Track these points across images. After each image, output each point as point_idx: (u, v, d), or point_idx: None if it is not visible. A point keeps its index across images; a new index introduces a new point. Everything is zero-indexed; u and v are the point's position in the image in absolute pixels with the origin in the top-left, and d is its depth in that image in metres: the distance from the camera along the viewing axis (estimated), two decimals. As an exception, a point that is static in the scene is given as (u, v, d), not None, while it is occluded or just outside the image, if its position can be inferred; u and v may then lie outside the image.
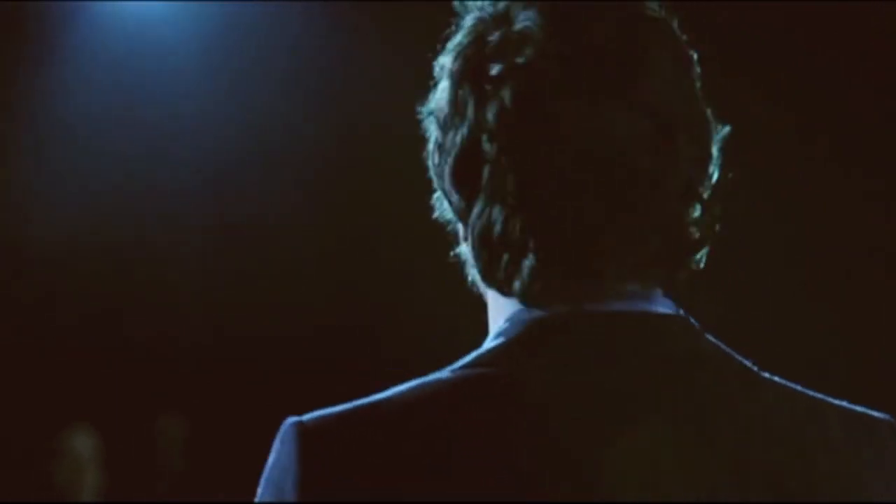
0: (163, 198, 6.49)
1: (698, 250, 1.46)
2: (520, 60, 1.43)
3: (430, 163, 1.51)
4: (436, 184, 1.51)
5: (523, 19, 1.44)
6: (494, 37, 1.45)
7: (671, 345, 1.43)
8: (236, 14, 6.23)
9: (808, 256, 5.30)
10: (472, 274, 1.50)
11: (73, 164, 6.41)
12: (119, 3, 6.29)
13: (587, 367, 1.39)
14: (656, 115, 1.42)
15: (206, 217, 6.53)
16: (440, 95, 1.49)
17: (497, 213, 1.42)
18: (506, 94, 1.42)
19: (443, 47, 1.53)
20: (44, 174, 6.46)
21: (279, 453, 1.45)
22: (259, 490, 1.49)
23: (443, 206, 1.51)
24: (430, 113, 1.50)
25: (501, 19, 1.46)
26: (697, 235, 1.45)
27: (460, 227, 1.49)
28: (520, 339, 1.41)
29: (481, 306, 1.54)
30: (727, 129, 1.48)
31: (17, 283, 6.49)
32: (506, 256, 1.42)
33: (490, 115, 1.42)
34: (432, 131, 1.50)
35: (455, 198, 1.46)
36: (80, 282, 6.46)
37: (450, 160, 1.46)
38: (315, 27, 6.22)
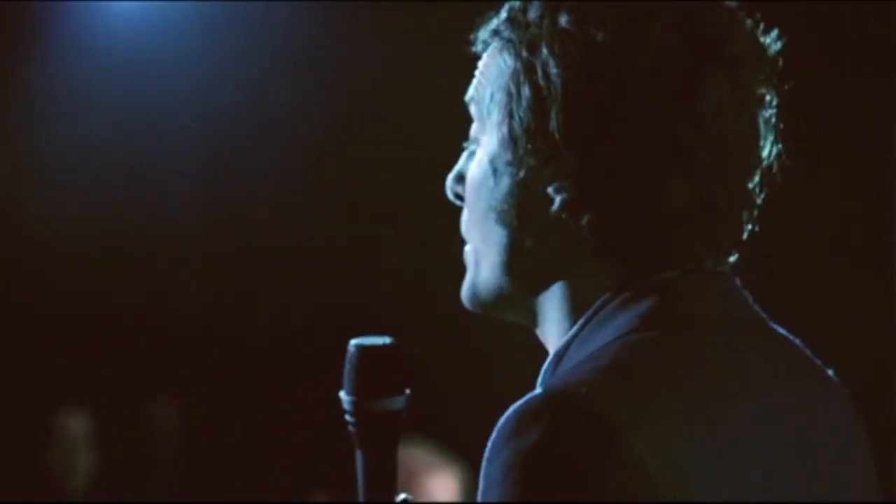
0: (155, 181, 6.48)
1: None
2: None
3: (517, 120, 1.51)
4: (526, 141, 1.51)
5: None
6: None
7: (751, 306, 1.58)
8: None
9: (802, 255, 5.31)
10: (531, 256, 1.53)
11: (67, 148, 6.40)
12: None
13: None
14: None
15: (198, 201, 6.53)
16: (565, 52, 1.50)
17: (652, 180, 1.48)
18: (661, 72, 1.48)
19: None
20: (39, 158, 6.45)
21: (583, 428, 1.35)
22: (552, 484, 1.35)
23: (514, 174, 1.53)
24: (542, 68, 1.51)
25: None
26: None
27: (561, 194, 1.50)
28: (668, 298, 1.49)
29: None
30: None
31: (9, 265, 6.48)
32: (661, 225, 1.49)
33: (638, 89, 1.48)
34: (540, 84, 1.50)
35: (567, 156, 1.49)
36: (74, 265, 6.45)
37: (575, 119, 1.48)
38: (307, 17, 6.21)
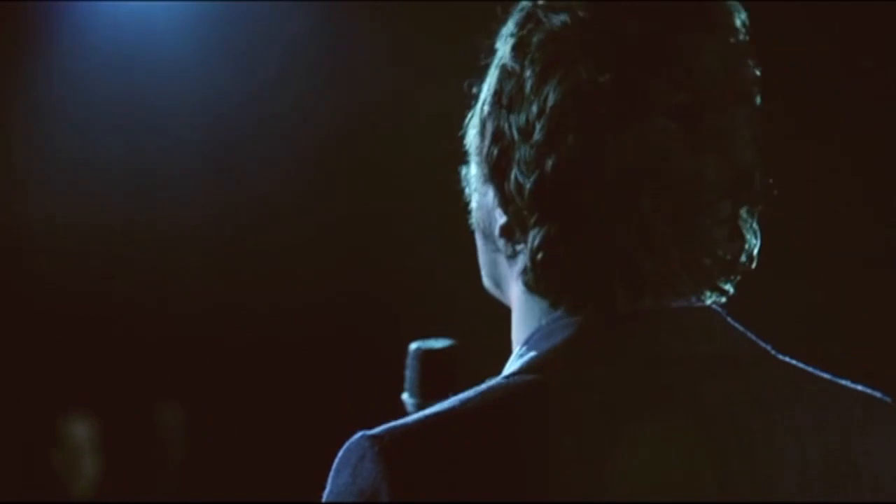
0: (160, 184, 6.48)
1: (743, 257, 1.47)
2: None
3: (477, 149, 1.50)
4: (481, 170, 1.49)
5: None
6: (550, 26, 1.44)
7: (714, 342, 1.45)
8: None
9: (808, 256, 5.30)
10: (502, 270, 1.50)
11: (74, 151, 6.40)
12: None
13: (645, 369, 1.41)
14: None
15: (203, 204, 6.52)
16: (502, 82, 1.46)
17: (571, 220, 1.40)
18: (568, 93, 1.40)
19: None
20: (45, 161, 6.45)
21: (356, 473, 1.38)
22: None
23: (483, 193, 1.50)
24: (488, 99, 1.48)
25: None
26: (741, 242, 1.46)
27: (503, 218, 1.47)
28: (575, 342, 1.42)
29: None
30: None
31: (14, 269, 6.48)
32: (573, 263, 1.41)
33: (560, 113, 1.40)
34: (488, 117, 1.48)
35: (511, 191, 1.44)
36: (79, 269, 6.45)
37: (518, 154, 1.43)
38: (312, 15, 6.21)
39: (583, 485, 1.36)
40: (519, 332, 1.49)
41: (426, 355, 1.70)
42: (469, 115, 1.56)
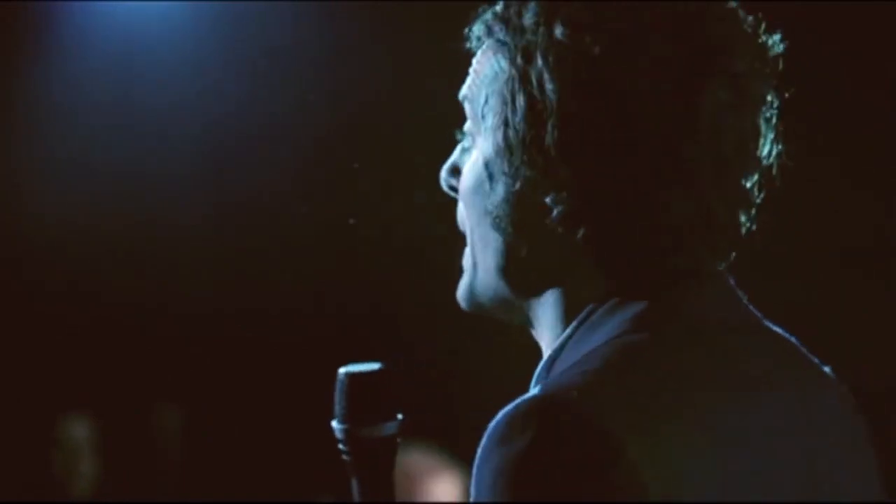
0: (159, 184, 6.47)
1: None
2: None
3: (513, 130, 1.50)
4: (522, 153, 1.50)
5: None
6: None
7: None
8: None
9: (809, 255, 5.30)
10: (533, 257, 1.53)
11: (72, 151, 6.39)
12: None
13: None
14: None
15: (202, 205, 6.51)
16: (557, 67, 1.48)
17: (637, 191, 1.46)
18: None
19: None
20: (43, 162, 6.44)
21: (543, 436, 1.36)
22: (559, 474, 1.36)
23: (512, 184, 1.51)
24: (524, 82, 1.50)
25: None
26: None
27: (551, 195, 1.49)
28: (660, 301, 1.48)
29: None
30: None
31: (13, 269, 6.47)
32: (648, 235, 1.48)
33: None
34: (534, 98, 1.49)
35: (563, 170, 1.47)
36: (78, 270, 6.44)
37: (563, 131, 1.46)
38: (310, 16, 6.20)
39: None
40: (567, 315, 1.53)
41: (354, 380, 1.64)
42: (470, 107, 1.58)
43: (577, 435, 1.34)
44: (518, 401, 1.38)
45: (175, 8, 6.27)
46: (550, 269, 1.53)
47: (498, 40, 1.54)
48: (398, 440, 1.65)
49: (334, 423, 1.65)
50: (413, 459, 4.16)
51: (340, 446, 1.64)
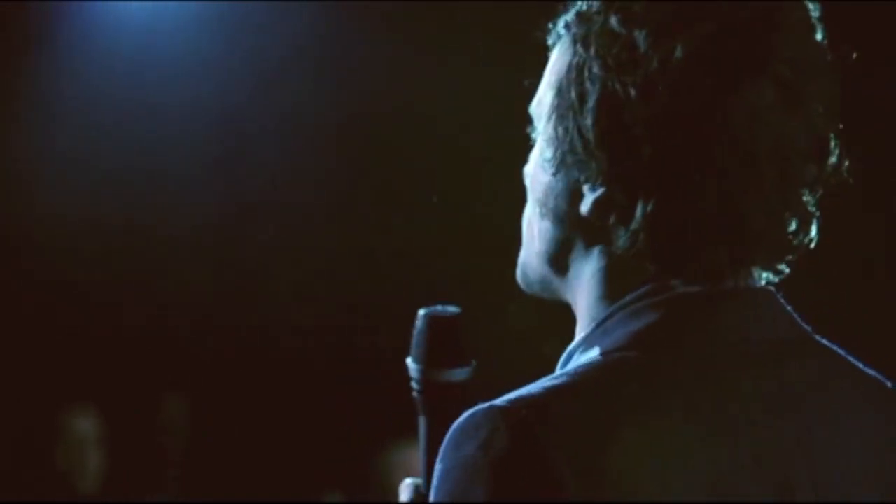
0: (164, 180, 6.48)
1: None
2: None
3: (558, 118, 1.52)
4: (564, 141, 1.52)
5: None
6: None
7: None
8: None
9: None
10: (575, 251, 1.55)
11: (77, 148, 6.40)
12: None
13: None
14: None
15: (208, 200, 6.52)
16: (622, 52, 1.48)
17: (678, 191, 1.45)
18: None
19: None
20: (47, 157, 6.45)
21: (487, 444, 1.40)
22: (490, 484, 1.41)
23: (556, 172, 1.54)
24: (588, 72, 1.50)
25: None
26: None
27: (597, 191, 1.50)
28: (671, 318, 1.48)
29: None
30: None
31: (19, 264, 6.47)
32: (682, 236, 1.47)
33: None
34: (588, 89, 1.49)
35: (602, 161, 1.48)
36: (84, 263, 6.44)
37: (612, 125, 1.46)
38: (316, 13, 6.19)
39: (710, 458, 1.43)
40: (595, 309, 1.54)
41: (433, 322, 1.69)
42: (536, 102, 1.60)
43: (514, 456, 1.39)
44: (474, 409, 1.44)
45: (182, 7, 6.28)
46: (586, 258, 1.55)
47: (571, 33, 1.55)
48: (468, 387, 1.70)
49: (409, 361, 1.71)
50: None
51: (413, 384, 1.71)
